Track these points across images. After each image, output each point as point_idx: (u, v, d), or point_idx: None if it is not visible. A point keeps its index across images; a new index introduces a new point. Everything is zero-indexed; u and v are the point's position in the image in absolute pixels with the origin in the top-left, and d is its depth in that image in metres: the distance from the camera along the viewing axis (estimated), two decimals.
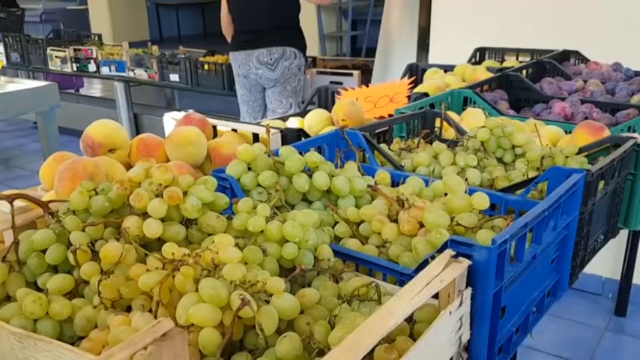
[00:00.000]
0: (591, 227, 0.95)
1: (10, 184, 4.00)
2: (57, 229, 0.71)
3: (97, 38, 4.89)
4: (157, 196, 0.72)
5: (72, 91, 5.66)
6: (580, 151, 1.10)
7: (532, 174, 1.04)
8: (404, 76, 2.07)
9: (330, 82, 3.25)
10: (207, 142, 1.10)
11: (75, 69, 4.40)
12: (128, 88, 4.30)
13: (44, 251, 0.71)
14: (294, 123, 1.55)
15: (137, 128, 4.51)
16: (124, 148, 1.04)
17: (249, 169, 0.91)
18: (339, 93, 1.72)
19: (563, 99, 1.60)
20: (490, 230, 0.71)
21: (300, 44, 3.04)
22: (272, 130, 1.17)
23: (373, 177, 1.03)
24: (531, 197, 0.94)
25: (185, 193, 0.73)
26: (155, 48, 4.40)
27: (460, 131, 1.29)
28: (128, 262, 0.65)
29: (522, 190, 0.93)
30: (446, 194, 0.86)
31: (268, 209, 0.73)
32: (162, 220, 0.70)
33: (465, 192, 0.84)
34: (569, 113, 1.50)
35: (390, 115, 1.57)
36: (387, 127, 1.31)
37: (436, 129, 1.36)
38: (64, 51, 4.40)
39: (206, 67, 3.71)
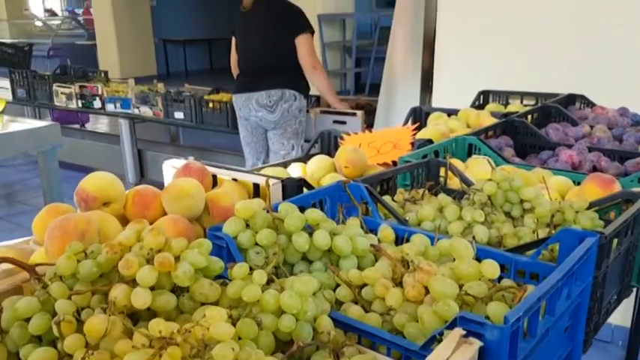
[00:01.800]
0: (605, 290, 0.90)
1: (11, 219, 3.98)
2: (42, 296, 0.67)
3: (103, 75, 4.95)
4: (147, 261, 0.69)
5: (77, 126, 5.69)
6: (590, 205, 1.06)
7: (542, 231, 1.00)
8: (407, 119, 2.05)
9: (334, 122, 3.25)
10: (206, 194, 1.07)
11: (80, 105, 4.43)
12: (133, 125, 4.32)
13: (29, 319, 0.67)
14: (296, 169, 1.53)
15: (141, 164, 4.51)
16: (119, 201, 1.01)
17: (248, 225, 0.87)
18: (342, 138, 1.70)
19: (569, 146, 1.57)
20: (502, 303, 0.67)
21: (301, 86, 3.04)
22: (272, 182, 1.14)
23: (376, 231, 0.99)
24: (542, 258, 0.90)
25: (178, 258, 0.70)
26: (161, 85, 4.43)
27: (466, 182, 1.25)
28: (114, 335, 0.61)
29: (533, 251, 0.89)
30: (454, 259, 0.82)
31: (265, 276, 0.69)
32: (153, 287, 0.67)
33: (473, 253, 0.81)
34: (576, 161, 1.47)
35: (393, 162, 1.54)
36: (391, 177, 1.28)
37: (441, 178, 1.33)
38: (70, 87, 4.43)
39: (210, 105, 3.73)
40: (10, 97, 4.79)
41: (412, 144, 1.60)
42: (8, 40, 9.67)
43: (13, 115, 5.34)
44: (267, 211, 0.88)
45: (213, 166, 1.25)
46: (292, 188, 1.17)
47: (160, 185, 1.14)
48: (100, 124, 6.67)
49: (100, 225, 0.92)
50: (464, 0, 2.55)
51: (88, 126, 6.15)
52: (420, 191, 1.24)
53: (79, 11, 18.60)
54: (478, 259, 0.89)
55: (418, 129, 1.85)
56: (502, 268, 0.90)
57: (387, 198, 1.15)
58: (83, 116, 5.96)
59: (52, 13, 19.14)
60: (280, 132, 3.07)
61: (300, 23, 2.97)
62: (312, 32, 3.02)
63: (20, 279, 0.71)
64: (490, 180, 1.10)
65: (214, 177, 1.25)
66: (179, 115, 3.91)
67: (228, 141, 4.39)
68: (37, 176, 4.95)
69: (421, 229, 1.03)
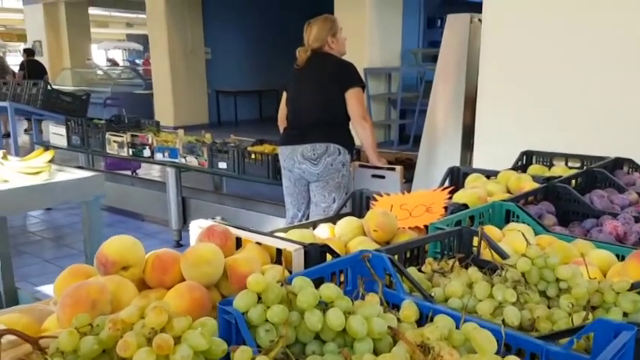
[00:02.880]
0: None
1: (58, 262, 4.10)
2: None
3: (154, 125, 5.14)
4: (149, 340, 0.67)
5: (128, 172, 5.88)
6: (633, 286, 0.98)
7: (579, 315, 0.92)
8: (444, 180, 2.00)
9: (372, 176, 3.23)
10: (225, 259, 1.05)
11: (130, 154, 4.60)
12: (179, 174, 4.43)
13: None
14: (324, 230, 1.50)
15: (184, 211, 4.58)
16: (139, 266, 1.01)
17: (260, 299, 0.84)
18: (374, 199, 1.67)
19: (615, 215, 1.48)
20: None
21: (346, 141, 3.07)
22: (294, 247, 1.12)
23: (399, 307, 0.94)
24: (577, 347, 0.82)
25: (179, 339, 0.67)
26: (208, 136, 4.56)
27: (500, 254, 1.19)
28: None
29: (566, 340, 0.81)
30: None
31: None
32: None
33: (495, 348, 0.74)
34: (621, 233, 1.38)
35: (425, 226, 1.49)
36: (419, 246, 1.23)
37: (474, 248, 1.26)
38: (122, 136, 4.62)
39: (253, 156, 3.79)
40: (65, 144, 5.03)
41: (446, 208, 1.55)
42: (70, 88, 10.27)
43: (67, 161, 5.58)
44: (282, 285, 0.85)
45: (238, 227, 1.24)
46: (315, 255, 1.14)
47: None
48: (152, 170, 6.88)
49: (114, 292, 0.91)
50: (508, 56, 2.51)
51: (140, 172, 6.35)
52: (450, 262, 1.18)
53: (139, 62, 19.73)
54: (507, 344, 0.83)
55: (455, 190, 1.80)
56: (532, 356, 0.83)
57: (412, 270, 1.10)
58: (135, 163, 6.19)
59: (113, 63, 20.36)
60: (322, 184, 3.08)
61: (351, 78, 3.04)
62: (363, 87, 3.07)
63: (24, 351, 0.71)
64: (524, 256, 1.04)
65: (238, 239, 1.24)
66: (223, 165, 3.98)
67: (270, 190, 4.44)
68: None
69: (448, 307, 0.97)
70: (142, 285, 1.04)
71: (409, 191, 1.78)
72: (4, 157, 2.28)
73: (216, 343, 0.69)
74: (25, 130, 8.25)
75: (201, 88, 11.37)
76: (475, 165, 2.66)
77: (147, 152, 4.47)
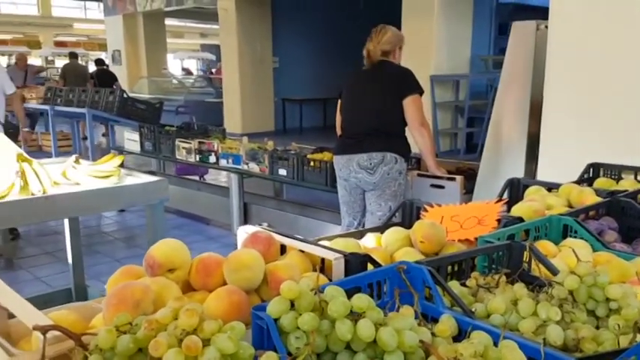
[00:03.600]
0: None
1: (127, 262, 4.30)
2: None
3: (220, 132, 5.31)
4: (180, 340, 0.70)
5: (196, 177, 6.10)
6: None
7: (625, 338, 0.87)
8: (503, 192, 1.94)
9: (431, 186, 3.18)
10: (266, 265, 1.08)
11: (198, 159, 4.78)
12: (241, 180, 4.55)
13: None
14: (370, 240, 1.49)
15: (246, 216, 4.70)
16: (184, 268, 1.05)
17: (293, 306, 0.85)
18: (424, 209, 1.64)
19: None
20: None
21: (402, 149, 3.04)
22: (334, 256, 1.12)
23: (437, 321, 0.93)
24: None
25: (208, 341, 0.70)
26: (270, 143, 4.66)
27: (551, 270, 1.14)
28: None
29: None
30: None
31: None
32: None
33: (540, 356, 0.72)
34: None
35: (476, 239, 1.45)
36: (464, 259, 1.20)
37: (524, 264, 1.22)
38: (190, 143, 4.80)
39: (312, 163, 3.83)
40: (138, 149, 5.30)
41: (499, 221, 1.50)
42: (146, 96, 10.81)
43: (140, 165, 5.86)
44: (315, 293, 0.86)
45: (282, 234, 1.26)
46: (356, 264, 1.14)
47: None
48: (219, 176, 7.10)
49: (159, 293, 0.95)
50: (575, 64, 2.41)
51: (207, 178, 6.57)
52: (497, 277, 1.14)
53: (212, 71, 20.45)
54: None
55: (514, 203, 1.74)
56: None
57: (454, 283, 1.08)
58: (203, 169, 6.41)
59: (187, 72, 21.23)
60: (378, 193, 3.06)
61: (409, 85, 3.01)
62: (421, 93, 3.04)
63: (67, 346, 0.75)
64: (573, 273, 0.99)
65: (283, 246, 1.26)
66: (283, 172, 4.06)
67: (328, 196, 4.47)
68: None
69: (488, 323, 0.95)
70: (187, 287, 1.08)
71: (467, 203, 1.74)
72: (77, 161, 2.43)
73: (244, 347, 0.71)
74: (103, 134, 8.81)
75: (268, 96, 11.63)
76: (540, 177, 2.56)
77: (212, 158, 4.62)
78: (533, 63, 2.81)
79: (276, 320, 0.83)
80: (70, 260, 2.94)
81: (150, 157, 5.59)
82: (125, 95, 5.88)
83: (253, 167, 4.33)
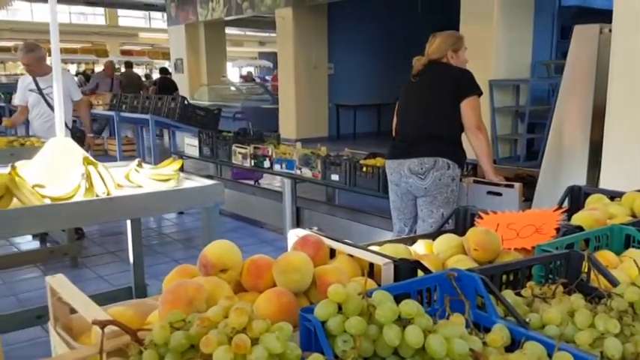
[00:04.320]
0: None
1: (184, 262, 4.43)
2: None
3: (275, 138, 5.40)
4: (230, 338, 0.71)
5: (251, 182, 6.22)
6: None
7: None
8: (563, 200, 1.87)
9: (488, 193, 3.10)
10: (315, 269, 1.09)
11: (252, 164, 4.87)
12: (294, 184, 4.60)
13: None
14: (421, 246, 1.48)
15: (298, 220, 4.74)
16: (236, 269, 1.07)
17: (341, 309, 0.86)
18: (479, 216, 1.61)
19: None
20: None
21: (456, 155, 2.97)
22: (384, 262, 1.12)
23: (490, 330, 0.91)
24: None
25: (257, 340, 0.71)
26: (323, 149, 4.69)
27: (610, 281, 1.09)
28: None
29: None
30: None
31: None
32: None
33: None
34: None
35: (533, 248, 1.41)
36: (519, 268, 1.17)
37: (583, 274, 1.17)
38: (246, 148, 4.90)
39: (364, 169, 3.82)
40: (197, 154, 5.46)
41: (558, 229, 1.45)
42: (206, 103, 11.14)
43: (199, 170, 6.03)
44: (363, 297, 0.86)
45: (332, 238, 1.27)
46: (405, 270, 1.13)
47: None
48: (273, 180, 7.21)
49: (211, 292, 0.98)
50: (639, 69, 2.29)
51: (262, 182, 6.69)
52: (553, 287, 1.10)
53: (269, 78, 20.82)
54: None
55: (575, 211, 1.67)
56: None
57: (508, 293, 1.05)
58: (258, 173, 6.53)
59: (245, 80, 21.69)
60: (430, 199, 3.01)
61: (467, 86, 2.95)
62: (480, 94, 2.97)
63: (124, 341, 0.79)
64: (634, 285, 0.95)
65: (332, 250, 1.27)
66: (335, 177, 4.07)
67: (380, 202, 4.44)
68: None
69: (542, 334, 0.92)
70: (239, 287, 1.11)
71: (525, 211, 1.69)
72: (140, 164, 2.54)
73: (291, 348, 0.72)
74: (157, 135, 9.24)
75: (323, 102, 11.72)
76: (602, 185, 2.45)
77: (267, 163, 4.70)
78: (596, 67, 2.70)
79: (323, 323, 0.84)
80: (131, 260, 3.06)
81: (208, 162, 5.74)
82: (186, 102, 6.08)
83: (306, 172, 4.36)
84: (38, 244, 4.59)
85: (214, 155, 5.31)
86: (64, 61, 19.78)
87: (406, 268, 1.12)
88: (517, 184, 2.97)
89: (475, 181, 3.13)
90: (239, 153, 5.00)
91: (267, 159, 4.69)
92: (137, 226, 3.09)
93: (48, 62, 4.66)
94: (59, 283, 0.94)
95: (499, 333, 0.89)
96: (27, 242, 4.62)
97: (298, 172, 4.40)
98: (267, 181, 6.96)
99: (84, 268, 4.08)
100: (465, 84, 2.96)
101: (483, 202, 2.95)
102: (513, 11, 7.88)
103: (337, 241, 1.27)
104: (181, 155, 5.71)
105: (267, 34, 25.00)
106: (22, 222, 2.04)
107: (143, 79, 15.60)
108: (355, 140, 10.97)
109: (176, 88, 11.59)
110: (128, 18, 27.68)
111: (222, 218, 5.53)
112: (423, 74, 3.05)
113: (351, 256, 1.23)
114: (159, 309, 0.92)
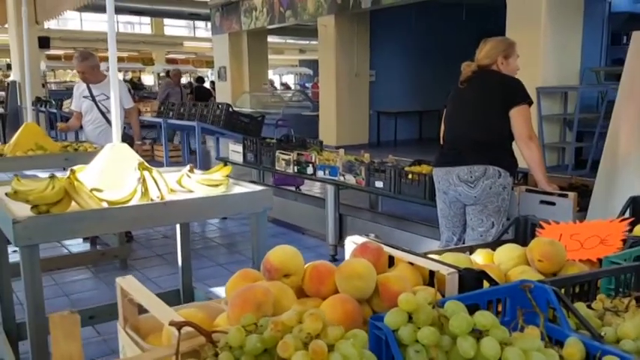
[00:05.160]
0: None
1: (229, 267, 4.50)
2: None
3: (318, 144, 5.41)
4: (304, 344, 0.71)
5: (292, 188, 6.25)
6: None
7: None
8: (624, 210, 1.80)
9: (541, 202, 3.01)
10: (377, 276, 1.08)
11: (296, 170, 4.89)
12: (337, 191, 4.59)
13: None
14: (480, 256, 1.44)
15: (341, 227, 4.73)
16: (298, 275, 1.08)
17: (411, 318, 0.85)
18: (540, 226, 1.56)
19: None
20: None
21: (506, 163, 2.91)
22: (448, 271, 1.10)
23: (562, 344, 0.87)
24: None
25: (332, 347, 0.71)
26: (367, 156, 4.67)
27: None
28: None
29: None
30: None
31: None
32: None
33: None
34: None
35: (598, 260, 1.36)
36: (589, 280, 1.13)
37: None
38: (289, 155, 4.94)
39: (410, 176, 3.78)
40: (241, 160, 5.53)
41: (624, 241, 1.39)
42: (247, 110, 11.30)
43: (242, 175, 6.12)
44: (433, 307, 0.85)
45: (391, 246, 1.26)
46: (470, 280, 1.11)
47: None
48: (313, 187, 7.23)
49: (277, 296, 0.98)
50: None
51: (303, 189, 6.72)
52: (626, 301, 1.06)
53: (309, 85, 20.98)
54: None
55: (636, 223, 1.61)
56: None
57: (580, 305, 1.01)
58: (299, 179, 6.56)
59: (286, 87, 21.92)
60: (480, 208, 2.96)
61: (517, 94, 2.89)
62: (530, 103, 2.91)
63: (199, 343, 0.80)
64: None
65: (391, 257, 1.25)
66: (379, 184, 4.04)
67: (425, 210, 4.38)
68: None
69: (619, 349, 0.88)
70: (300, 293, 1.11)
71: (583, 221, 1.64)
72: (191, 170, 2.58)
73: (367, 355, 0.71)
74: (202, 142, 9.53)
75: (364, 109, 11.70)
76: None
77: (310, 170, 4.71)
78: None
79: (394, 332, 0.83)
80: (179, 263, 3.12)
81: (251, 168, 5.80)
82: (230, 109, 6.17)
83: (350, 179, 4.35)
84: (89, 247, 4.73)
85: (258, 161, 5.37)
86: None
87: (471, 278, 1.10)
88: (571, 194, 2.88)
89: (527, 190, 3.05)
90: (282, 159, 5.03)
91: (311, 165, 4.70)
92: (186, 231, 3.15)
93: (102, 70, 4.83)
94: (130, 284, 0.96)
95: (575, 346, 0.86)
96: (78, 244, 4.77)
97: (342, 178, 4.39)
98: (307, 188, 6.99)
99: (133, 270, 4.18)
100: (515, 92, 2.90)
101: (536, 211, 2.86)
102: (562, 16, 7.69)
103: (396, 248, 1.26)
104: (225, 161, 5.80)
105: (307, 42, 25.19)
106: (81, 225, 2.11)
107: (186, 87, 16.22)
108: (396, 147, 10.88)
109: (211, 95, 12.08)
110: (173, 27, 28.41)
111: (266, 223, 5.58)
112: (472, 81, 3.00)
113: (411, 264, 1.21)
114: (228, 312, 0.93)
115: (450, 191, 3.03)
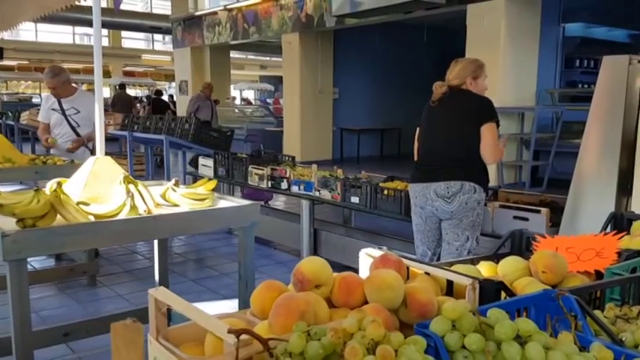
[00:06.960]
0: None
1: (201, 282, 4.43)
2: None
3: (290, 160, 5.44)
4: (368, 350, 0.73)
5: (262, 202, 6.22)
6: None
7: None
8: (606, 226, 1.91)
9: (514, 217, 3.13)
10: (405, 287, 1.11)
11: (270, 185, 4.89)
12: (312, 206, 4.61)
13: None
14: (483, 268, 1.50)
15: (315, 243, 4.75)
16: (328, 285, 1.10)
17: (454, 326, 0.88)
18: (535, 240, 1.64)
19: None
20: None
21: (481, 179, 3.02)
22: (469, 281, 1.14)
23: (587, 349, 0.93)
24: None
25: (396, 352, 0.73)
26: (340, 171, 4.73)
27: None
28: None
29: None
30: None
31: None
32: None
33: None
34: None
35: (596, 272, 1.44)
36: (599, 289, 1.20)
37: None
38: (263, 170, 4.94)
39: (385, 192, 3.85)
40: (211, 174, 5.48)
41: (619, 254, 1.48)
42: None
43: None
44: (474, 314, 0.88)
45: (407, 258, 1.30)
46: (490, 291, 1.16)
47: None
48: (278, 201, 7.23)
49: (314, 307, 1.00)
50: None
51: (271, 203, 6.70)
52: (635, 309, 1.13)
53: (270, 101, 21.01)
54: None
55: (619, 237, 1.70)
56: None
57: (598, 313, 1.07)
58: (268, 194, 6.55)
59: (247, 102, 21.87)
60: (456, 222, 3.04)
61: (487, 112, 3.01)
62: (498, 122, 3.03)
63: (254, 350, 0.80)
64: None
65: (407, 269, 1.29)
66: (355, 199, 4.10)
67: (396, 225, 4.45)
68: (226, 245, 5.50)
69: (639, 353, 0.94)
70: (329, 304, 1.13)
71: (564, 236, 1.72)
72: (177, 184, 2.56)
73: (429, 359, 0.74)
74: (155, 155, 9.46)
75: (327, 126, 11.84)
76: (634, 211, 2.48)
77: (284, 185, 4.73)
78: (625, 97, 2.77)
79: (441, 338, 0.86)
80: (157, 277, 3.06)
81: (222, 182, 5.75)
82: (199, 124, 6.12)
83: (325, 194, 4.39)
84: (53, 262, 4.56)
85: (230, 176, 5.34)
86: None
87: (491, 288, 1.14)
88: (544, 209, 3.01)
89: (501, 206, 3.16)
90: (255, 174, 5.03)
91: (285, 180, 4.71)
92: (164, 246, 3.10)
93: (73, 84, 4.70)
94: (165, 295, 0.96)
95: (604, 351, 0.91)
96: (42, 260, 4.60)
97: (317, 193, 4.43)
98: (276, 202, 6.98)
99: (102, 287, 4.06)
100: (485, 111, 3.03)
101: (509, 226, 2.97)
102: (519, 40, 8.05)
103: (413, 260, 1.30)
104: (195, 175, 5.73)
105: (268, 58, 25.27)
106: (68, 239, 2.05)
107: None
108: (359, 164, 11.02)
109: (168, 107, 12.14)
110: (131, 40, 27.93)
111: (234, 239, 5.52)
112: (444, 100, 3.10)
113: (427, 274, 1.25)
114: (270, 321, 0.94)
115: (427, 206, 3.10)
